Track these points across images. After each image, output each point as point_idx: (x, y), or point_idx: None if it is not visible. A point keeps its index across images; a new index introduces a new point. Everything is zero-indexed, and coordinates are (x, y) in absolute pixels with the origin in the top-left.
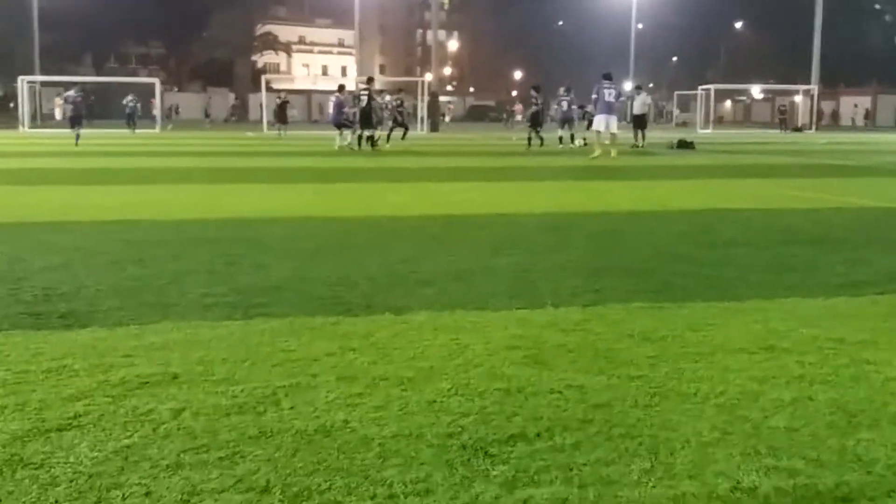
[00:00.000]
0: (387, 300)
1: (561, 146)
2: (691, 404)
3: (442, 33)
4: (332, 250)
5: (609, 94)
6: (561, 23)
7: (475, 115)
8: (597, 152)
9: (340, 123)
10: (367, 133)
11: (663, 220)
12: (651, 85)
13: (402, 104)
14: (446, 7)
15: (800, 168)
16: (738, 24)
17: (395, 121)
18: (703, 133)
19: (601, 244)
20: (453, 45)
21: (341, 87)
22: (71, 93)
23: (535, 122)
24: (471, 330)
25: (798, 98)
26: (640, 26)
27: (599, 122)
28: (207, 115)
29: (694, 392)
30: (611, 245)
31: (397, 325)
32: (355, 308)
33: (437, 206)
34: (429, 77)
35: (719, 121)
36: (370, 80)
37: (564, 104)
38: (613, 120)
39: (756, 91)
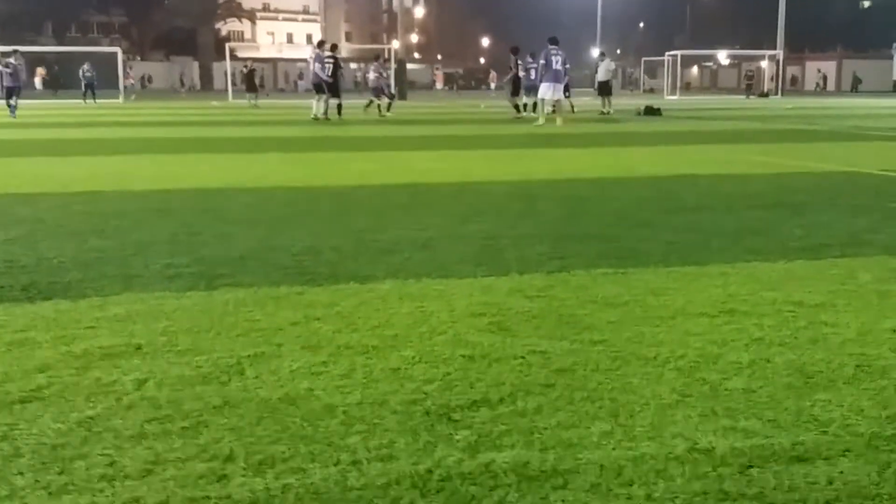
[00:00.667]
0: (352, 269)
1: (525, 114)
2: (651, 368)
3: (408, 0)
4: (296, 220)
5: (556, 62)
6: None
7: (443, 82)
8: (540, 121)
9: (319, 85)
10: (333, 101)
11: (629, 186)
12: (618, 51)
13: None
14: None
15: (765, 133)
16: None
17: (388, 92)
18: (670, 99)
19: (567, 211)
20: (419, 11)
21: (321, 43)
22: (11, 59)
23: (516, 88)
24: (436, 298)
25: (764, 63)
26: None
27: (546, 90)
28: (183, 84)
29: (654, 356)
30: (577, 212)
31: (362, 294)
32: (320, 277)
33: (404, 175)
34: (396, 44)
35: (686, 87)
36: (334, 47)
37: (532, 72)
38: (560, 88)
39: (722, 57)
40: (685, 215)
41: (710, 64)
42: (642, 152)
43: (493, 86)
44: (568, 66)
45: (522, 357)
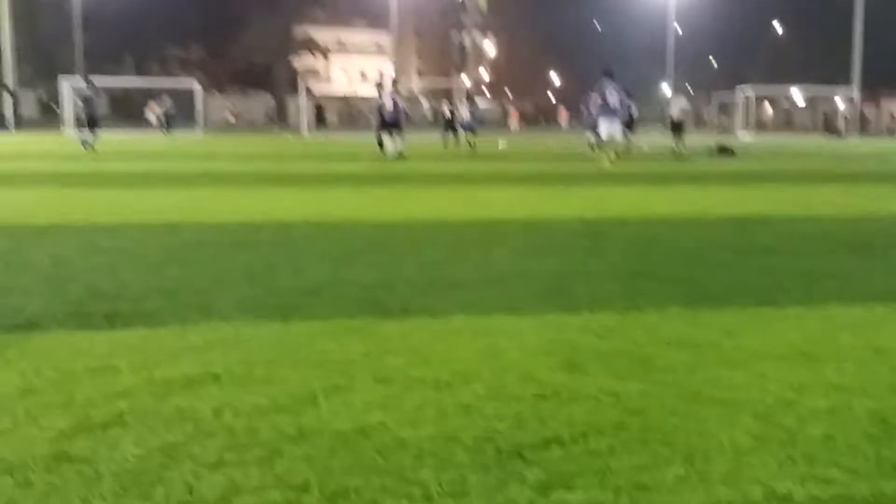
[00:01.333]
0: (423, 303)
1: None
2: (727, 411)
3: (478, 36)
4: (368, 253)
5: (611, 96)
6: (597, 24)
7: (519, 121)
8: (605, 162)
9: (398, 123)
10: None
11: (701, 226)
12: (688, 86)
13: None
14: (484, 11)
15: (842, 175)
16: (777, 26)
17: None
18: (743, 138)
19: (638, 249)
20: (489, 47)
21: (395, 82)
22: (84, 89)
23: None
24: (506, 334)
25: (840, 103)
26: (676, 27)
27: (603, 127)
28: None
29: (729, 399)
30: (647, 250)
31: (434, 328)
32: (392, 311)
33: (474, 210)
34: (466, 80)
35: (760, 126)
36: (394, 82)
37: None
38: (617, 124)
39: (797, 95)
40: (759, 257)
41: (785, 104)
42: (715, 192)
43: (563, 123)
44: (625, 100)
45: (594, 397)
